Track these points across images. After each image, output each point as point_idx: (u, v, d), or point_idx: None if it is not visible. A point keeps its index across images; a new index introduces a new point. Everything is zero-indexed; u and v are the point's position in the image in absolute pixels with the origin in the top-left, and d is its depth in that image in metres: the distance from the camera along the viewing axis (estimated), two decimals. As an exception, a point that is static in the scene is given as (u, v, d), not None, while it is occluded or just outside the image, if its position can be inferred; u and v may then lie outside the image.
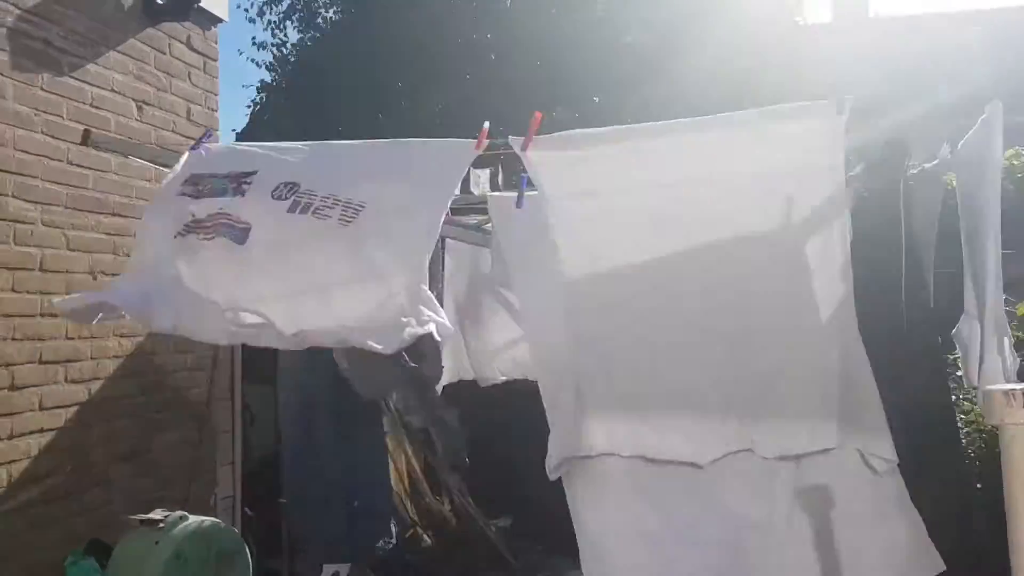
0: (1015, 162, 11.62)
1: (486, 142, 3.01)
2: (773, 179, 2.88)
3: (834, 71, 13.14)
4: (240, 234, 3.14)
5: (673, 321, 2.96)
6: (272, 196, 3.15)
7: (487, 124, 3.02)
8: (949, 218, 3.36)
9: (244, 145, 3.31)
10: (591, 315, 3.00)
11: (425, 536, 7.08)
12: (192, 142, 5.36)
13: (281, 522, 6.56)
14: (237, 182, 3.23)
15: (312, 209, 3.07)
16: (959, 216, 3.23)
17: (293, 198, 3.11)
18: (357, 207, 3.05)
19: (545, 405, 3.13)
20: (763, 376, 2.92)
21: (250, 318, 3.13)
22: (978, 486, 4.39)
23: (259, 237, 3.13)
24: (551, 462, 3.01)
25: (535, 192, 3.12)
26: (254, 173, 3.23)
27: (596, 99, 11.11)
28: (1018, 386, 2.61)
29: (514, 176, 3.49)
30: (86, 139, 3.83)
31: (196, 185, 3.31)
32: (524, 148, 2.95)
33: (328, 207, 3.07)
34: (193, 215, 3.23)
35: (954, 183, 3.60)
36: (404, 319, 2.96)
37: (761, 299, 2.91)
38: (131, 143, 4.81)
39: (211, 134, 3.21)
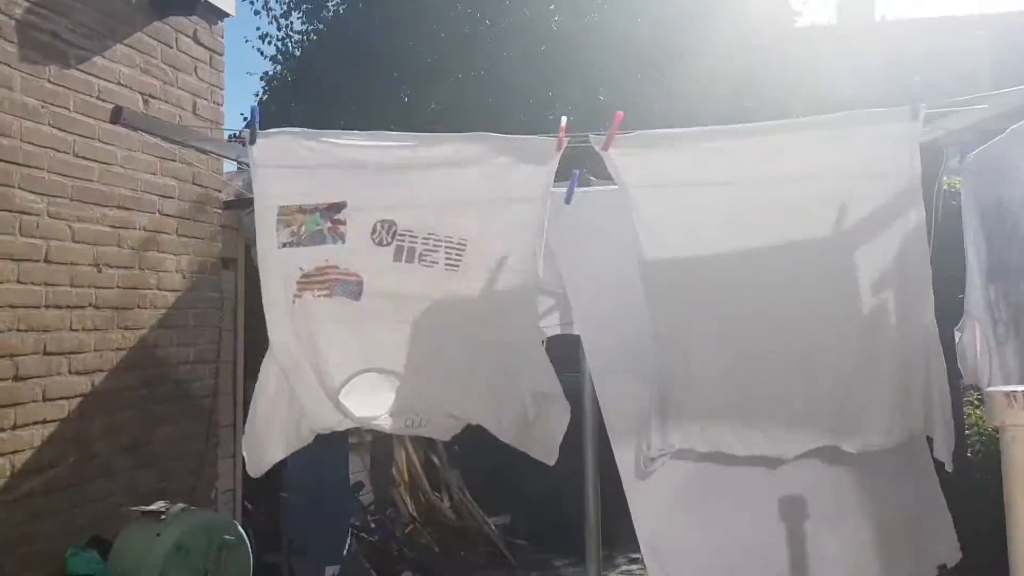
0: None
1: (565, 140, 2.99)
2: (849, 181, 2.96)
3: (838, 73, 13.15)
4: (355, 288, 3.08)
5: (753, 320, 3.02)
6: (373, 241, 3.06)
7: (565, 120, 2.96)
8: (947, 224, 3.41)
9: (303, 139, 3.10)
10: (672, 312, 3.04)
11: (424, 532, 7.09)
12: (197, 136, 5.39)
13: (279, 516, 6.59)
14: (331, 220, 3.06)
15: (417, 255, 3.04)
16: (969, 220, 3.25)
17: (395, 243, 3.05)
18: (459, 246, 3.05)
19: (607, 402, 3.17)
20: (843, 373, 2.98)
21: (364, 407, 3.13)
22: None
23: (371, 291, 3.07)
24: (642, 459, 3.06)
25: (585, 189, 3.15)
26: (343, 206, 3.05)
27: (601, 97, 11.11)
28: (1019, 388, 2.62)
29: (581, 170, 3.43)
30: (117, 116, 3.72)
31: (290, 227, 3.05)
32: (605, 147, 2.96)
33: (430, 250, 3.05)
34: (301, 269, 3.06)
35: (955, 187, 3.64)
36: (528, 415, 3.06)
37: (839, 299, 2.99)
38: (160, 121, 4.80)
39: (256, 113, 3.05)
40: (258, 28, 15.40)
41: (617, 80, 11.61)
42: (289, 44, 15.30)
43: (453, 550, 7.24)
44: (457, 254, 3.04)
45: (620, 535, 7.54)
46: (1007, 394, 2.58)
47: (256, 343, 4.67)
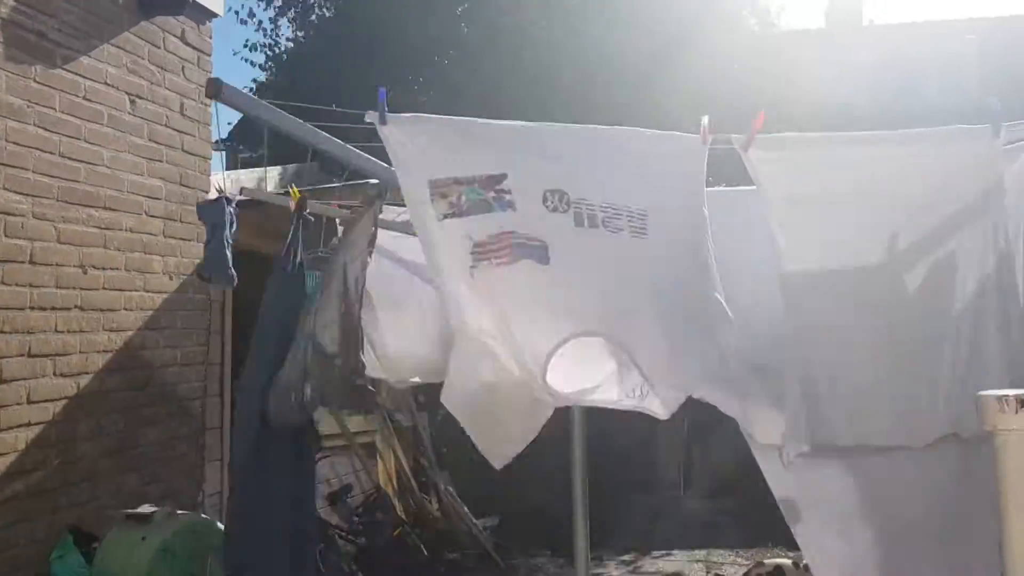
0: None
1: (710, 138, 3.00)
2: (941, 200, 3.10)
3: (826, 78, 13.21)
4: (541, 252, 2.87)
5: (882, 325, 3.15)
6: (547, 208, 2.88)
7: (706, 119, 2.94)
8: None
9: (434, 120, 2.94)
10: (810, 319, 3.10)
11: (412, 535, 7.07)
12: (185, 137, 5.37)
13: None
14: (494, 191, 2.86)
15: (600, 221, 2.89)
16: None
17: (573, 209, 2.88)
18: (640, 215, 2.93)
19: (739, 404, 3.23)
20: (957, 370, 3.13)
21: (572, 380, 2.99)
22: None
23: (559, 255, 2.88)
24: (787, 456, 3.14)
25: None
26: (504, 177, 2.88)
27: (600, 101, 11.13)
28: (1011, 392, 2.63)
29: None
30: (216, 91, 3.28)
31: (447, 198, 2.86)
32: (746, 147, 3.00)
33: (612, 218, 2.90)
34: (471, 239, 2.85)
35: None
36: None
37: (947, 308, 3.16)
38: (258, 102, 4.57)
39: (384, 95, 2.90)
40: (247, 40, 15.40)
41: (601, 86, 11.64)
42: (277, 50, 15.31)
43: (441, 552, 7.23)
44: (640, 222, 2.90)
45: (608, 536, 7.56)
46: (999, 398, 2.58)
47: (244, 345, 4.64)
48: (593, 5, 12.38)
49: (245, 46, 15.44)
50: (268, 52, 15.47)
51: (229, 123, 15.23)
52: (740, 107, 11.06)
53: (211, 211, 3.64)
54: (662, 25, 12.05)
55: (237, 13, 15.28)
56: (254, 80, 15.63)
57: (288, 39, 15.39)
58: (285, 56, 15.34)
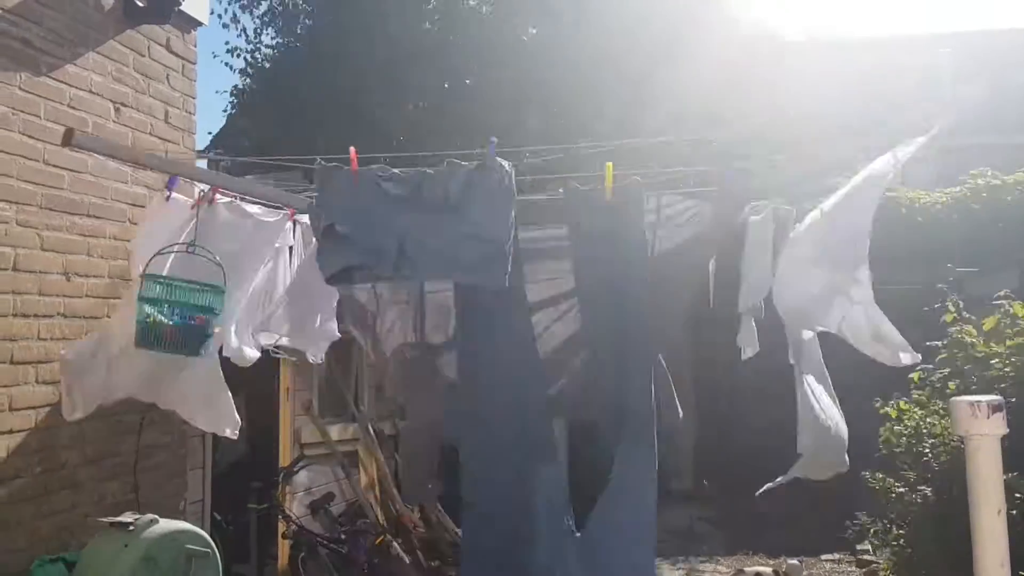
0: (979, 181, 11.88)
1: None
2: None
3: (805, 89, 13.37)
4: None
5: None
6: None
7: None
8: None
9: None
10: None
11: (394, 543, 7.08)
12: (169, 145, 5.38)
13: (249, 526, 6.57)
14: None
15: None
16: None
17: None
18: None
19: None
20: None
21: None
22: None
23: None
24: None
25: None
26: None
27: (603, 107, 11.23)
28: (983, 398, 2.71)
29: None
30: (68, 139, 3.72)
31: None
32: None
33: None
34: None
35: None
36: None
37: None
38: (113, 144, 4.79)
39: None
40: (226, 43, 15.32)
41: (589, 91, 11.73)
42: (259, 56, 15.28)
43: (423, 560, 7.24)
44: None
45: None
46: (971, 404, 2.66)
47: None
48: (587, 15, 12.49)
49: (227, 51, 15.40)
50: (248, 58, 15.43)
51: (210, 132, 15.23)
52: (726, 112, 11.23)
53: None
54: (644, 29, 12.19)
55: (220, 17, 15.25)
56: (235, 86, 15.60)
57: (268, 47, 15.36)
58: (266, 64, 15.31)
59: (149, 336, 4.29)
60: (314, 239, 4.50)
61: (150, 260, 4.39)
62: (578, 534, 4.02)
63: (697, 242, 4.18)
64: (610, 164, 4.06)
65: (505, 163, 3.87)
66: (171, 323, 4.29)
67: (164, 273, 4.43)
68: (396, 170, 4.00)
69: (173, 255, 4.49)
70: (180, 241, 4.54)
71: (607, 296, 4.05)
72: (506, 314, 4.09)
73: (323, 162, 4.07)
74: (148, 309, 4.29)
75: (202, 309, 4.36)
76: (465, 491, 4.29)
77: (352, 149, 4.02)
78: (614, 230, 4.07)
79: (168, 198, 4.80)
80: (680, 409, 4.26)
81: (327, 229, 3.95)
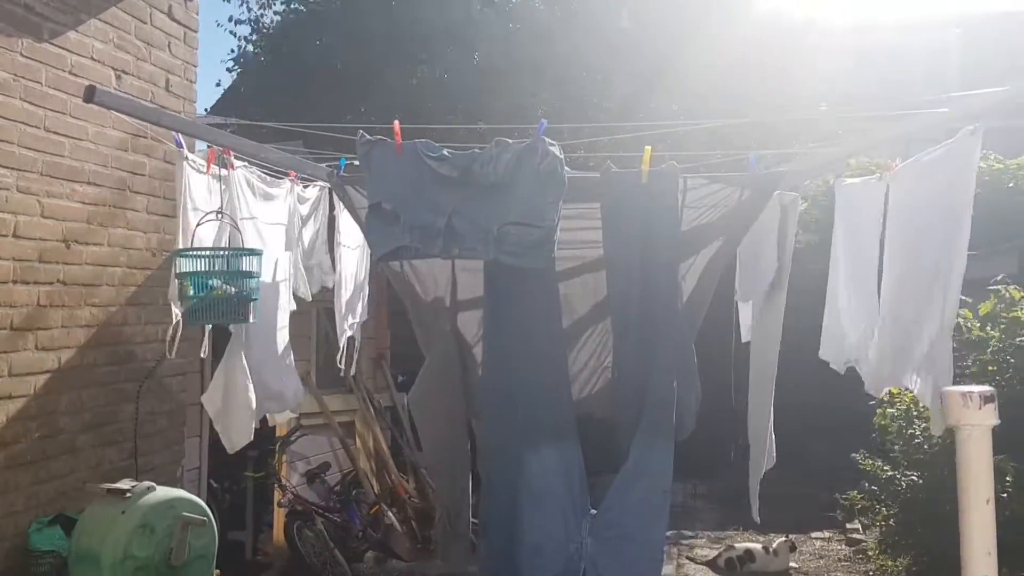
0: (981, 164, 11.84)
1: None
2: None
3: (810, 70, 13.30)
4: None
5: None
6: None
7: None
8: None
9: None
10: None
11: (389, 513, 7.15)
12: (170, 112, 5.36)
13: (245, 494, 6.62)
14: None
15: None
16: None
17: None
18: None
19: None
20: None
21: None
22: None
23: None
24: None
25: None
26: None
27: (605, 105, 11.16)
28: (974, 388, 2.72)
29: None
30: (91, 95, 3.65)
31: None
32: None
33: None
34: None
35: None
36: None
37: None
38: (134, 102, 4.72)
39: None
40: (231, 16, 15.15)
41: (602, 75, 11.69)
42: (264, 22, 15.15)
43: (417, 530, 7.30)
44: None
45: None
46: (963, 394, 2.68)
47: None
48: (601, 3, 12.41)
49: (230, 19, 15.27)
50: (253, 25, 15.30)
51: (206, 110, 15.11)
52: (745, 94, 11.18)
53: None
54: (650, 13, 12.11)
55: (223, -17, 15.07)
56: (232, 49, 15.47)
57: (276, 12, 15.22)
58: (270, 31, 15.18)
59: (201, 310, 4.26)
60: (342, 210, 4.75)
61: (192, 234, 4.33)
62: (593, 511, 4.05)
63: (724, 226, 4.15)
64: (648, 147, 3.98)
65: (556, 147, 3.75)
66: (227, 292, 4.24)
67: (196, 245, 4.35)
68: (445, 151, 3.93)
69: (198, 225, 4.38)
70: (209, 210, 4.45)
71: (638, 274, 4.02)
72: (535, 283, 4.07)
73: (365, 134, 3.98)
74: (195, 282, 4.24)
75: (246, 275, 4.33)
76: (482, 466, 4.32)
77: (396, 123, 3.94)
78: (648, 211, 4.02)
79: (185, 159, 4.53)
80: (700, 392, 4.28)
81: (374, 207, 3.94)
